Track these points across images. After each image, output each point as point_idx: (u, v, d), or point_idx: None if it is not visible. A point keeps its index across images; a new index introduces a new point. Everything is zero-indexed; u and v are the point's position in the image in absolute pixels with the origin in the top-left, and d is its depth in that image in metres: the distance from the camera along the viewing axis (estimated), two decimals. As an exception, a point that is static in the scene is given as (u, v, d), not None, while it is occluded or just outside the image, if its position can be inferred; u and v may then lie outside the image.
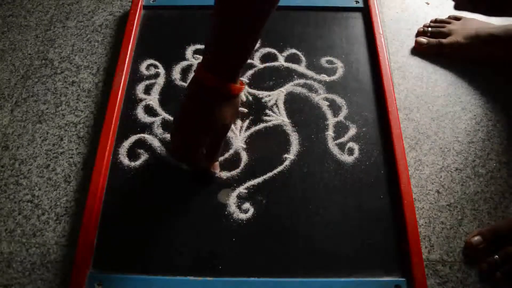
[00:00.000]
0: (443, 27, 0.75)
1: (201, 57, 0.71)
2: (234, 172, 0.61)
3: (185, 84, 0.69)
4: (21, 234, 0.58)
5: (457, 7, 0.62)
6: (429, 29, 0.75)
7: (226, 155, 0.62)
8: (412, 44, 0.76)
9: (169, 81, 0.69)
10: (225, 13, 0.47)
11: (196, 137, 0.53)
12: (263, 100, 0.67)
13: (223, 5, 0.47)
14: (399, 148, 0.61)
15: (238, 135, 0.64)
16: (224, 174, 0.61)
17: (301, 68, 0.71)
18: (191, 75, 0.70)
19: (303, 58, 0.72)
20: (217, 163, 0.60)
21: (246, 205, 0.58)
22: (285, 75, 0.70)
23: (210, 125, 0.52)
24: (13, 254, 0.56)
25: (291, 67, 0.71)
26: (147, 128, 0.65)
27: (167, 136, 0.64)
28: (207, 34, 0.50)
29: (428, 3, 0.82)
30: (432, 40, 0.73)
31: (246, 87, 0.68)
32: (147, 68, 0.71)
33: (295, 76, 0.70)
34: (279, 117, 0.66)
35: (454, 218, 0.59)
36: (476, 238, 0.56)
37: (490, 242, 0.55)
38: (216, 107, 0.51)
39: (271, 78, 0.70)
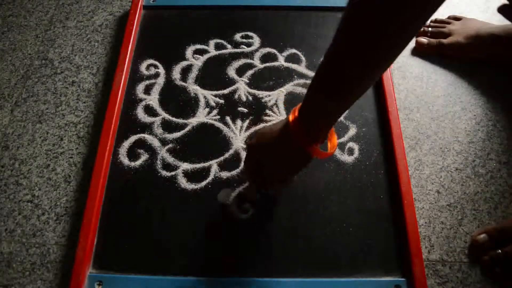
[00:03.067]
0: (444, 27, 0.75)
1: (200, 57, 0.71)
2: (234, 172, 0.61)
3: (185, 84, 0.69)
4: (21, 234, 0.58)
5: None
6: (430, 29, 0.75)
7: (226, 155, 0.62)
8: (412, 44, 0.76)
9: (169, 81, 0.69)
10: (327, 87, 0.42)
11: (270, 169, 0.51)
12: (263, 100, 0.67)
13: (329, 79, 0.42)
14: (399, 148, 0.61)
15: (238, 135, 0.64)
16: (224, 174, 0.61)
17: (301, 68, 0.71)
18: (191, 75, 0.70)
19: (303, 58, 0.72)
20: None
21: (246, 205, 0.58)
22: (285, 75, 0.70)
23: (282, 166, 0.50)
24: (13, 254, 0.56)
25: (291, 67, 0.71)
26: (147, 128, 0.65)
27: (167, 136, 0.64)
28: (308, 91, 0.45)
29: (428, 3, 0.82)
30: (433, 40, 0.73)
31: (246, 87, 0.68)
32: (147, 68, 0.71)
33: (295, 76, 0.70)
34: (279, 117, 0.66)
35: (454, 218, 0.59)
36: (482, 236, 0.56)
37: (495, 241, 0.55)
38: (293, 155, 0.48)
39: (271, 78, 0.70)
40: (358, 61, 0.38)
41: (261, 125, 0.65)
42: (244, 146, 0.63)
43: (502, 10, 0.68)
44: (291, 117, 0.46)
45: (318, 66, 0.41)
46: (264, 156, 0.50)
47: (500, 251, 0.54)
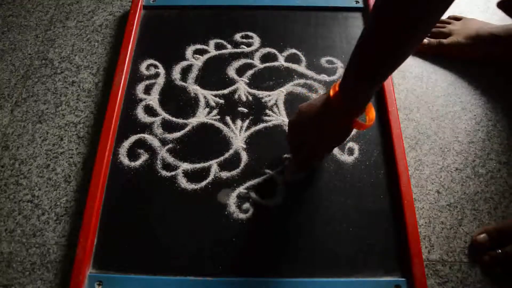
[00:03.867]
0: (444, 27, 0.75)
1: (200, 57, 0.71)
2: (234, 172, 0.61)
3: (185, 84, 0.69)
4: (21, 234, 0.58)
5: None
6: (429, 29, 0.75)
7: (226, 155, 0.62)
8: (412, 44, 0.75)
9: (169, 81, 0.69)
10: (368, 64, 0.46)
11: (316, 142, 0.54)
12: (263, 100, 0.67)
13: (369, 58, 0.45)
14: (399, 148, 0.61)
15: (238, 135, 0.64)
16: (224, 174, 0.61)
17: (301, 68, 0.71)
18: (191, 75, 0.70)
19: (303, 58, 0.72)
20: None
21: (246, 205, 0.58)
22: (285, 75, 0.70)
23: (325, 139, 0.54)
24: (13, 254, 0.56)
25: (291, 67, 0.71)
26: (147, 128, 0.65)
27: (167, 136, 0.64)
28: (351, 62, 0.47)
29: (428, 3, 0.82)
30: (433, 40, 0.73)
31: (246, 87, 0.68)
32: (147, 68, 0.71)
33: (295, 76, 0.70)
34: (279, 117, 0.66)
35: (454, 218, 0.59)
36: (482, 236, 0.56)
37: (495, 241, 0.55)
38: (336, 128, 0.52)
39: (271, 78, 0.70)
40: (393, 46, 0.42)
41: (261, 126, 0.65)
42: (244, 146, 0.63)
43: (501, 4, 0.67)
44: (331, 92, 0.50)
45: (353, 51, 0.46)
46: (306, 131, 0.53)
47: (500, 251, 0.54)
